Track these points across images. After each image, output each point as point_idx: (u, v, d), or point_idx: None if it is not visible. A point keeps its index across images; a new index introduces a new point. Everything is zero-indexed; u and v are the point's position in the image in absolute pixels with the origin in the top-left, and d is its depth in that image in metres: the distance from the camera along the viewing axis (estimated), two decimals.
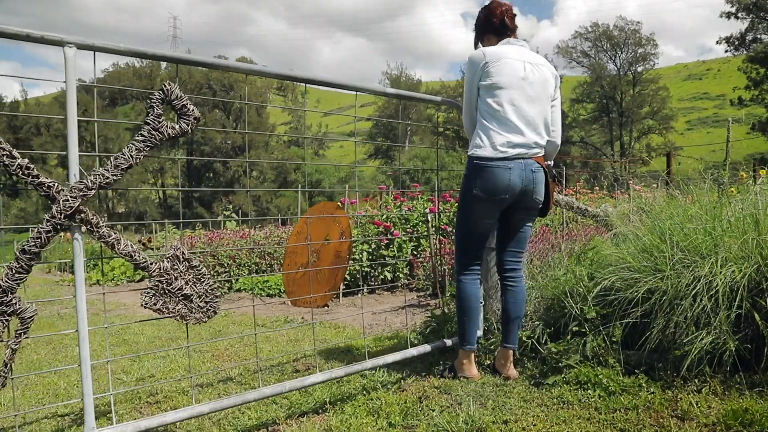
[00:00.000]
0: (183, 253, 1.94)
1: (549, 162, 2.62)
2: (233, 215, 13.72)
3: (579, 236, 4.59)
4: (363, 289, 6.29)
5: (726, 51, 43.62)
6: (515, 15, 2.65)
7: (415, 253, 6.53)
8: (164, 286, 1.89)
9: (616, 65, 53.96)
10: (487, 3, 2.72)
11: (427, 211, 5.37)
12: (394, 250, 6.32)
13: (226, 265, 7.87)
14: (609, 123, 53.84)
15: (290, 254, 6.41)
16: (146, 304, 1.86)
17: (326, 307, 5.75)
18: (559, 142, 2.65)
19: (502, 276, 2.72)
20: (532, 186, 2.48)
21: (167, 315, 1.89)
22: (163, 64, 57.29)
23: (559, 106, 2.64)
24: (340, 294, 5.98)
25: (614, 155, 48.50)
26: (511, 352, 2.69)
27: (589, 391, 2.30)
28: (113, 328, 5.10)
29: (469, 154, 2.52)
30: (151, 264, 1.88)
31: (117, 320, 5.59)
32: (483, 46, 2.66)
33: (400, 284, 6.57)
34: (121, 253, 1.83)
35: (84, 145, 45.90)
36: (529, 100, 2.47)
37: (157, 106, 1.84)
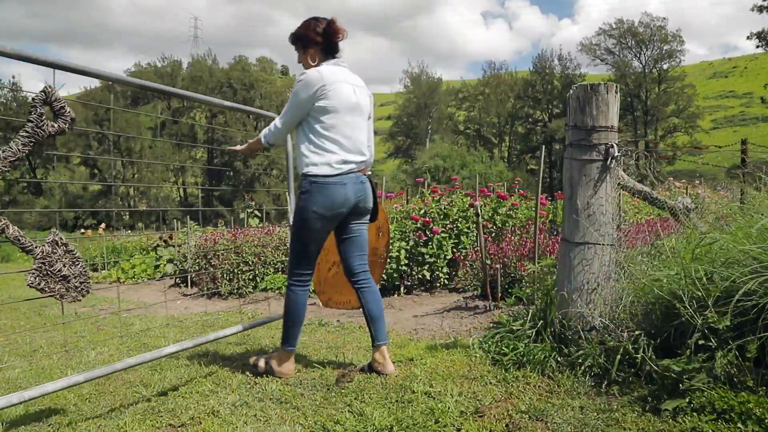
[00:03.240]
0: (61, 238, 2.10)
1: (368, 172, 2.81)
2: (256, 212, 13.32)
3: (652, 230, 4.07)
4: (420, 287, 5.81)
5: (757, 46, 42.33)
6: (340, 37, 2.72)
7: (455, 250, 6.03)
8: (47, 268, 2.04)
9: (641, 62, 52.81)
10: (323, 16, 2.71)
11: (477, 204, 4.86)
12: (433, 248, 5.82)
13: (250, 263, 7.43)
14: (633, 121, 52.73)
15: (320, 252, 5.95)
16: (31, 283, 2.00)
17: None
18: (374, 154, 2.86)
19: (354, 280, 2.86)
20: (363, 196, 2.69)
21: (49, 294, 2.04)
22: (185, 64, 57.42)
23: (372, 123, 2.83)
24: None
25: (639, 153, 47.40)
26: (386, 347, 2.81)
27: (738, 425, 1.79)
28: (132, 329, 4.69)
29: (304, 172, 2.61)
30: (36, 248, 2.03)
31: (137, 321, 5.18)
32: (310, 61, 2.71)
33: (439, 285, 6.08)
34: (9, 238, 1.94)
35: (106, 143, 46.18)
36: (357, 121, 2.66)
37: (39, 106, 1.99)
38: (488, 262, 4.55)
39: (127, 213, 42.01)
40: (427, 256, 5.75)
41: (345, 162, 2.58)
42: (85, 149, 45.45)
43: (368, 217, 2.80)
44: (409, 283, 6.00)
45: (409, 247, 5.69)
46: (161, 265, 9.29)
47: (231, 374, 2.91)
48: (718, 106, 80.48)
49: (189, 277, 8.45)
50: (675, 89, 50.47)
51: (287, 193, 3.30)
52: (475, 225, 6.14)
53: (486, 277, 4.44)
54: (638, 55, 52.67)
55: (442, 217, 6.09)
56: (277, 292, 6.65)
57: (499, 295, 4.40)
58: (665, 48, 51.62)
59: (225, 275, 7.37)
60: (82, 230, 17.12)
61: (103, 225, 13.97)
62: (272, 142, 2.77)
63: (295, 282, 2.78)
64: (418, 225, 5.90)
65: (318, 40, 2.67)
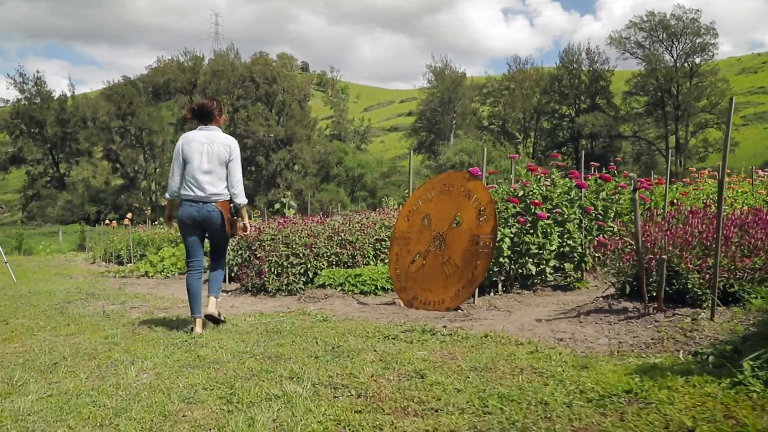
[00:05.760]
0: None
1: (237, 202, 3.93)
2: (291, 202, 12.32)
3: None
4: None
5: None
6: (209, 111, 3.92)
7: (560, 240, 4.93)
8: None
9: (672, 56, 50.96)
10: (201, 101, 4.02)
11: (632, 175, 3.75)
12: (538, 236, 4.72)
13: (301, 255, 6.40)
14: (663, 116, 50.95)
15: (399, 240, 4.89)
16: None
17: (459, 311, 4.20)
18: (237, 190, 3.90)
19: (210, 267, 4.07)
20: (208, 219, 3.86)
21: None
22: (206, 59, 56.69)
23: (236, 162, 3.92)
24: (476, 294, 4.42)
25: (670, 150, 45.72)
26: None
27: None
28: (177, 335, 3.68)
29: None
30: None
31: (180, 323, 4.16)
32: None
33: (539, 281, 4.99)
34: None
35: (129, 138, 45.70)
36: (206, 169, 3.83)
37: None
38: (644, 251, 3.44)
39: (148, 207, 41.46)
40: (532, 247, 4.65)
41: (195, 196, 3.80)
42: (107, 143, 45.03)
43: (220, 233, 3.92)
44: (503, 278, 4.93)
45: (512, 235, 4.59)
46: None
47: (351, 415, 1.86)
48: (748, 102, 78.06)
49: (228, 271, 7.47)
50: (707, 83, 48.60)
51: None
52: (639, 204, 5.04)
53: (642, 271, 3.35)
54: (669, 49, 50.80)
55: (542, 200, 5.00)
56: (338, 289, 5.59)
57: (662, 295, 3.30)
58: (698, 41, 49.71)
59: (273, 269, 6.36)
60: (107, 222, 16.27)
61: (129, 215, 13.04)
62: (170, 195, 3.96)
63: (187, 270, 4.00)
64: (518, 208, 4.81)
65: (191, 115, 3.99)
